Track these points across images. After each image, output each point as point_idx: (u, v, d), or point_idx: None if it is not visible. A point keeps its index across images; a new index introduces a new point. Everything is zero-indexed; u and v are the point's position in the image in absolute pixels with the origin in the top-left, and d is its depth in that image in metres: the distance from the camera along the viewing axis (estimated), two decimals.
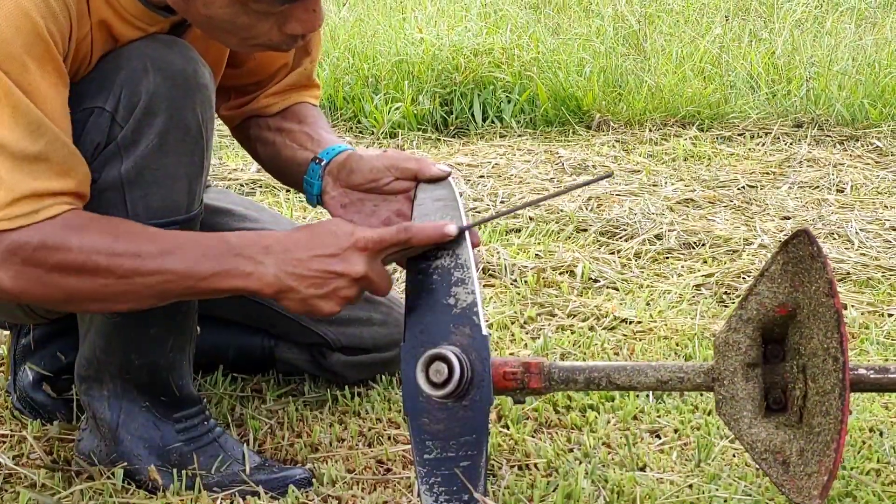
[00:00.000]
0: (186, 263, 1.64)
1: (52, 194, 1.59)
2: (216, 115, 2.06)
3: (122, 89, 1.67)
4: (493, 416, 2.10)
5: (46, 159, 1.57)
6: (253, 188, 3.76)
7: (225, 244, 1.67)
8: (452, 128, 4.70)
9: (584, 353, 2.44)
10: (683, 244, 3.19)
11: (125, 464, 1.85)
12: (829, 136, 4.48)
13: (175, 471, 1.84)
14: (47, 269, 1.60)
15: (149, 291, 1.65)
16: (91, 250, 1.60)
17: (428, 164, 1.83)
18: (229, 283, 1.66)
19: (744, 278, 2.91)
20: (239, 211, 2.19)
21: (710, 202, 3.63)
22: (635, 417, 2.13)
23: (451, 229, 1.69)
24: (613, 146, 4.38)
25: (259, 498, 1.81)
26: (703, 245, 3.18)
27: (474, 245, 1.77)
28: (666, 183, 3.83)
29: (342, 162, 1.88)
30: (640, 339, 2.53)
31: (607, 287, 2.87)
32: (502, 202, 3.58)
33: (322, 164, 1.90)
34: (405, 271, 1.78)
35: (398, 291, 1.73)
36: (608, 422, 2.10)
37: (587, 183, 1.74)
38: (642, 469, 1.93)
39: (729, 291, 2.84)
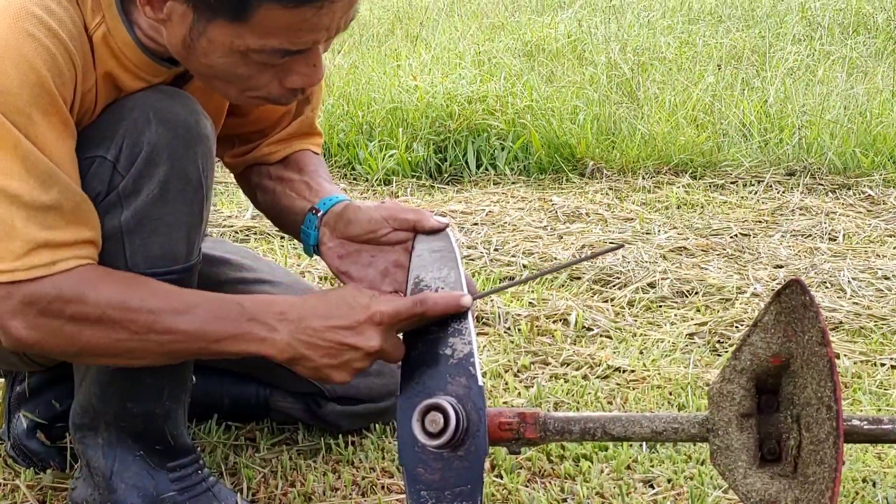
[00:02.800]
0: (199, 324, 1.65)
1: (68, 245, 1.60)
2: (220, 162, 2.08)
3: (124, 139, 1.68)
4: (486, 465, 2.10)
5: (59, 208, 1.59)
6: (247, 235, 3.76)
7: (239, 307, 1.68)
8: (446, 175, 4.72)
9: (578, 402, 2.44)
10: (677, 292, 3.20)
11: None
12: (822, 185, 4.50)
13: None
14: (63, 321, 1.61)
15: (161, 349, 1.67)
16: (107, 304, 1.62)
17: (426, 215, 1.84)
18: (242, 347, 1.68)
19: (737, 327, 2.91)
20: (236, 260, 2.19)
21: (703, 250, 3.64)
22: (629, 467, 2.13)
23: (467, 300, 1.70)
24: (607, 194, 4.40)
25: None
26: (697, 293, 3.19)
27: (471, 293, 1.78)
28: (659, 231, 3.84)
29: (339, 213, 1.89)
30: (634, 388, 2.53)
31: (601, 335, 2.88)
32: (496, 250, 3.59)
33: (319, 214, 1.91)
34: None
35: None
36: (602, 471, 2.10)
37: (599, 254, 1.76)
38: None
39: (722, 340, 2.85)
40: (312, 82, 1.68)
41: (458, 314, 1.71)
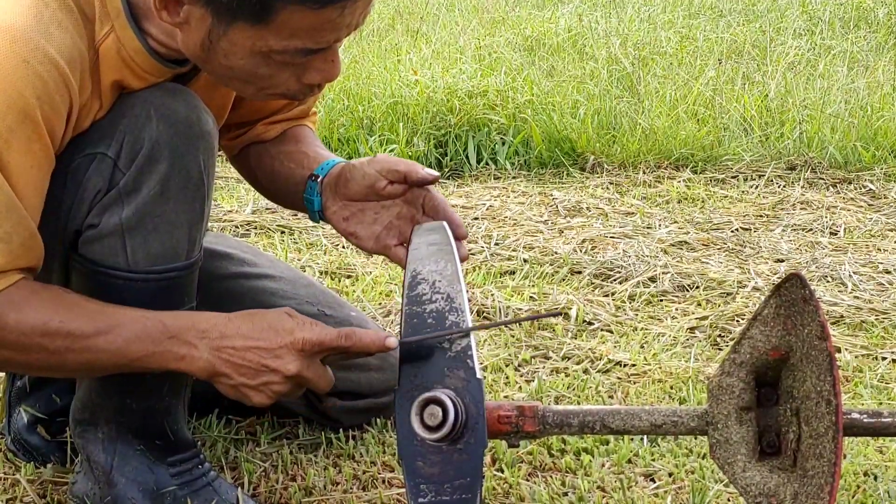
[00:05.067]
0: (120, 344, 1.67)
1: (3, 272, 1.61)
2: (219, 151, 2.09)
3: (125, 136, 1.68)
4: (487, 459, 2.10)
5: (8, 242, 1.60)
6: (248, 230, 3.76)
7: (161, 326, 1.69)
8: (447, 169, 4.72)
9: (579, 396, 2.44)
10: (677, 287, 3.20)
11: None
12: (822, 179, 4.50)
13: None
14: None
15: (79, 367, 1.71)
16: (26, 328, 1.63)
17: (416, 166, 1.88)
18: (161, 364, 1.70)
19: (737, 321, 2.91)
20: (237, 255, 2.20)
21: (703, 245, 3.64)
22: (630, 461, 2.13)
23: (391, 342, 1.72)
24: (607, 188, 4.40)
25: None
26: (697, 288, 3.19)
27: (460, 238, 1.83)
28: (660, 225, 3.84)
29: (337, 174, 1.92)
30: (635, 382, 2.53)
31: (602, 330, 2.88)
32: (497, 244, 3.59)
33: (319, 179, 1.94)
34: (400, 314, 1.79)
35: (394, 335, 1.74)
36: (602, 465, 2.10)
37: (537, 318, 1.78)
38: None
39: (723, 334, 2.85)
40: (330, 77, 1.69)
41: (456, 308, 1.71)
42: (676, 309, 3.03)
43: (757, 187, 4.40)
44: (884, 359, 2.68)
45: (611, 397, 2.46)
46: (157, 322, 1.69)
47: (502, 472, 2.07)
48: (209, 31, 1.59)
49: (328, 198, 1.93)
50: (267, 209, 3.90)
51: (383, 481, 2.05)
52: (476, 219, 3.93)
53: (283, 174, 2.03)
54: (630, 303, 3.08)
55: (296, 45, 1.59)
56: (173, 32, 1.64)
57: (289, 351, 1.70)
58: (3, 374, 2.24)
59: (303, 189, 1.97)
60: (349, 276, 3.26)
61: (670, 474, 2.08)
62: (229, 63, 1.64)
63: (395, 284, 3.14)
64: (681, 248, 3.60)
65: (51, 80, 1.57)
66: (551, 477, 2.07)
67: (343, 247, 3.51)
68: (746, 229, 3.85)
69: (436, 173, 1.87)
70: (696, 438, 2.18)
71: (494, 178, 4.58)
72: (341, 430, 2.21)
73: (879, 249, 3.61)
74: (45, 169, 1.63)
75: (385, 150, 4.72)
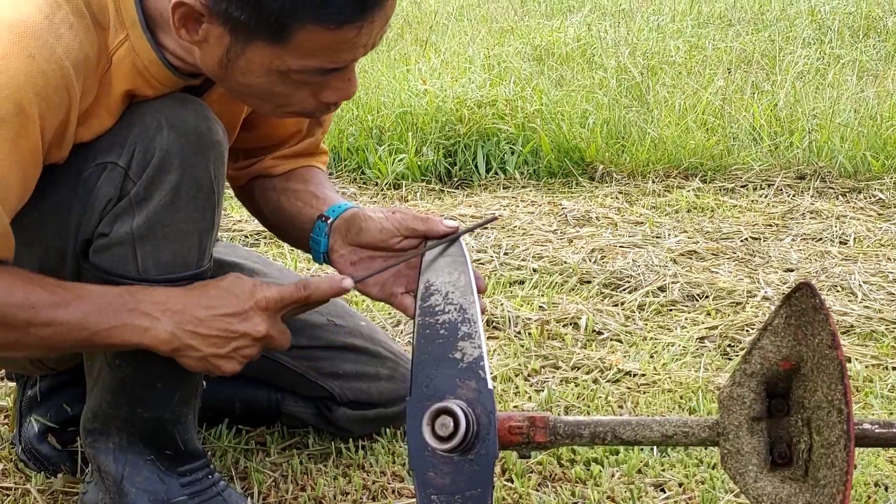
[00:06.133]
0: (80, 316, 1.66)
1: None
2: None
3: (136, 145, 1.69)
4: (497, 469, 2.10)
5: None
6: (257, 239, 3.77)
7: (124, 298, 1.68)
8: (456, 179, 4.72)
9: (589, 406, 2.44)
10: (687, 296, 3.20)
11: None
12: (832, 188, 4.49)
13: None
14: None
15: (42, 343, 1.67)
16: None
17: (436, 222, 1.84)
18: (124, 338, 1.68)
19: (747, 331, 2.91)
20: (247, 265, 2.20)
21: (713, 254, 3.64)
22: (640, 471, 2.13)
23: (347, 283, 1.73)
24: (617, 197, 4.39)
25: None
26: (707, 297, 3.18)
27: (479, 292, 1.78)
28: (669, 235, 3.84)
29: (349, 219, 1.90)
30: (644, 392, 2.53)
31: (611, 339, 2.88)
32: (506, 253, 3.59)
33: (328, 221, 1.92)
34: (413, 325, 1.79)
35: (405, 345, 1.74)
36: (613, 475, 2.10)
37: (474, 227, 1.80)
38: None
39: (733, 344, 2.84)
40: (347, 96, 1.70)
41: (468, 319, 1.71)
42: (686, 318, 3.03)
43: (766, 196, 4.40)
44: (894, 369, 2.68)
45: (620, 407, 2.46)
46: (120, 295, 1.69)
47: (512, 482, 2.07)
48: (227, 49, 1.60)
49: (336, 241, 1.92)
50: None
51: (393, 491, 2.05)
52: (485, 228, 3.93)
53: (290, 211, 2.02)
54: (639, 312, 3.08)
55: (313, 65, 1.60)
56: (191, 49, 1.65)
57: (255, 312, 1.71)
58: (14, 383, 2.24)
59: (309, 228, 1.96)
60: None
61: (681, 484, 2.08)
62: (247, 81, 1.64)
63: None
64: (690, 258, 3.59)
65: (52, 80, 1.57)
66: (561, 487, 2.06)
67: None
68: (756, 238, 3.85)
69: (455, 224, 1.85)
70: (706, 449, 2.18)
71: (503, 188, 4.58)
72: (351, 439, 2.21)
73: (889, 259, 3.60)
74: (28, 171, 1.62)
75: (394, 159, 4.72)
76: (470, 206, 4.25)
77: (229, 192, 4.27)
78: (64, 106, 1.61)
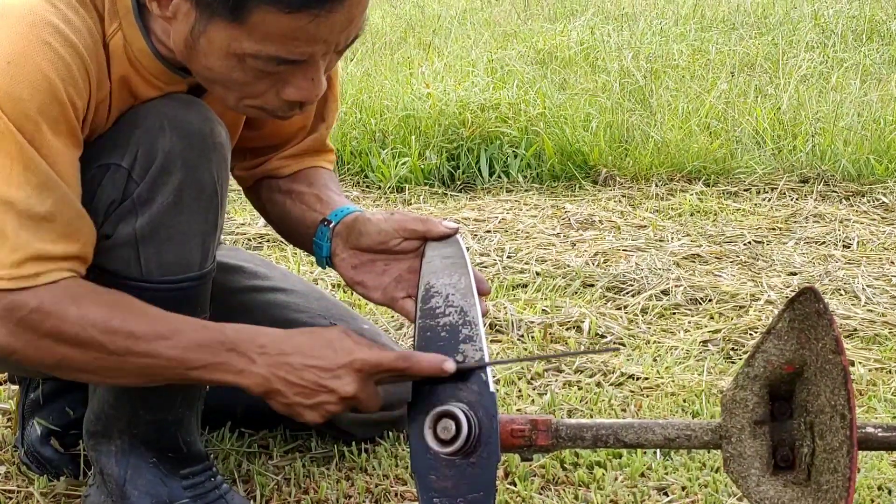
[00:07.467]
0: (179, 351, 1.65)
1: (56, 258, 1.60)
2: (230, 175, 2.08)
3: (139, 147, 1.69)
4: (500, 472, 2.09)
5: (53, 220, 1.58)
6: (260, 242, 3.77)
7: (221, 336, 1.67)
8: (459, 182, 4.72)
9: (592, 410, 2.44)
10: (690, 300, 3.20)
11: None
12: (835, 192, 4.49)
13: None
14: (41, 334, 1.61)
15: (138, 371, 1.66)
16: (87, 322, 1.61)
17: (435, 223, 1.84)
18: (219, 377, 1.68)
19: (751, 334, 2.91)
20: (250, 268, 2.20)
21: (716, 257, 3.63)
22: (643, 475, 2.12)
23: (449, 366, 1.66)
24: (620, 201, 4.39)
25: None
26: (710, 301, 3.18)
27: (484, 294, 1.78)
28: (672, 238, 3.84)
29: (350, 224, 1.89)
30: (648, 396, 2.53)
31: (614, 343, 2.87)
32: (509, 257, 3.59)
33: (331, 225, 1.91)
34: (414, 328, 1.79)
35: (407, 348, 1.73)
36: (616, 479, 2.10)
37: (593, 352, 1.77)
38: None
39: (736, 347, 2.84)
40: (310, 97, 1.66)
41: (469, 321, 1.71)
42: (689, 322, 3.02)
43: (769, 200, 4.39)
44: None
45: (623, 410, 2.45)
46: (217, 332, 1.68)
47: (515, 485, 2.07)
48: (192, 27, 1.58)
49: (338, 245, 1.91)
50: None
51: (396, 495, 2.05)
52: (488, 231, 3.93)
53: (294, 214, 2.02)
54: (643, 316, 3.07)
55: (269, 52, 1.56)
56: (168, 30, 1.64)
57: (348, 371, 1.67)
58: (17, 386, 2.24)
59: (313, 232, 1.95)
60: None
61: (683, 488, 2.08)
62: (208, 63, 1.62)
63: None
64: (693, 261, 3.59)
65: (73, 63, 1.58)
66: (564, 490, 2.06)
67: None
68: (759, 242, 3.84)
69: (455, 226, 1.84)
70: (709, 452, 2.17)
71: (507, 191, 4.58)
72: (354, 443, 2.21)
73: (893, 262, 3.60)
74: (75, 154, 1.63)
75: (397, 163, 4.72)
76: (473, 209, 4.25)
77: (233, 194, 4.27)
78: (87, 87, 1.62)
